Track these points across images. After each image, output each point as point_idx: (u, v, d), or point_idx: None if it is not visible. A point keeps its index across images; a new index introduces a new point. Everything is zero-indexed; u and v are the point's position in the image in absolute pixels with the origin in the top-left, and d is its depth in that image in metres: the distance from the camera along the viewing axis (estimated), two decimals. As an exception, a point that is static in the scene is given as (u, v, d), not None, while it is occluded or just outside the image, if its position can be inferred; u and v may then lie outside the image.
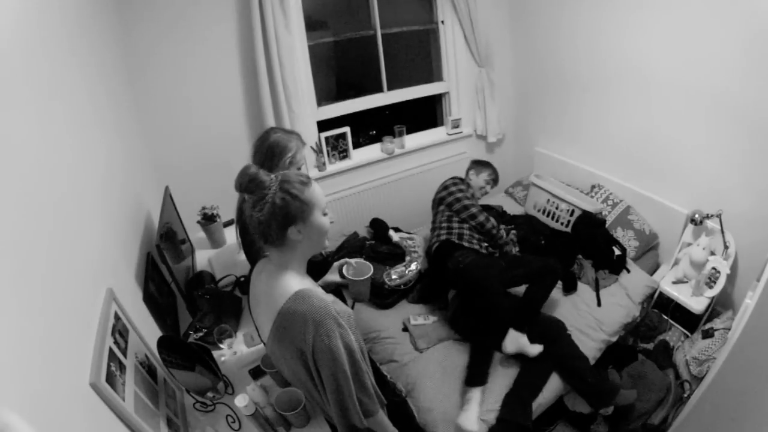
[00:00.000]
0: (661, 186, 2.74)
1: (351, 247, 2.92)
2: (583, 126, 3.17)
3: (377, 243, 2.93)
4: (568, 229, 2.92)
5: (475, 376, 2.04)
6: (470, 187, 2.72)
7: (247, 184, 1.06)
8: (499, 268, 2.31)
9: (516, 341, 2.08)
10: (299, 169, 1.94)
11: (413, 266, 2.69)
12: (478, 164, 2.83)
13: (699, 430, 1.80)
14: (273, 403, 1.41)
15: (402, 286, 2.58)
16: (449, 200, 2.57)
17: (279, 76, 2.62)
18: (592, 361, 2.22)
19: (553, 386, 2.09)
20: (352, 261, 1.50)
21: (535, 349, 2.08)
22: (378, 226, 3.05)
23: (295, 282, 1.12)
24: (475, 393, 1.97)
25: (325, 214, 1.15)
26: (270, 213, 1.06)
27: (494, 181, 2.80)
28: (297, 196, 1.07)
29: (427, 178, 3.38)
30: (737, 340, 1.46)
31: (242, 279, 2.16)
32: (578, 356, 2.13)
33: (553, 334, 2.18)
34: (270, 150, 1.78)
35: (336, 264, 1.51)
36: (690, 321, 2.46)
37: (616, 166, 3.01)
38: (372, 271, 1.46)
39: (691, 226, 2.53)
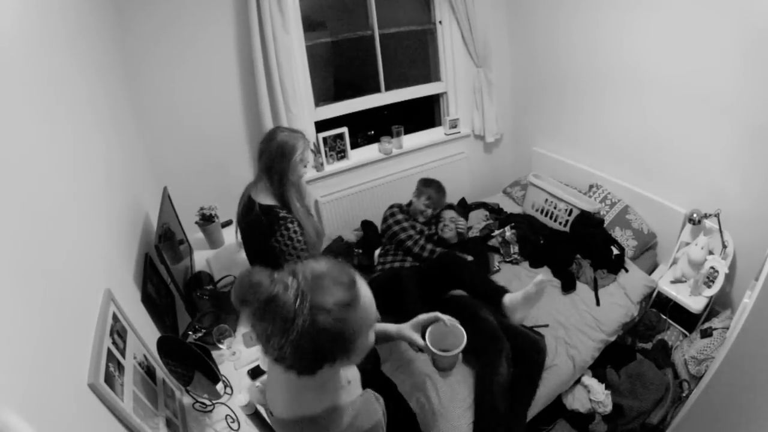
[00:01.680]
0: (659, 185, 2.74)
1: (335, 254, 2.80)
2: (581, 126, 3.17)
3: (364, 256, 2.85)
4: (567, 229, 2.92)
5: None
6: (409, 213, 2.78)
7: (261, 307, 0.72)
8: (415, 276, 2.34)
9: (512, 305, 2.00)
10: (305, 167, 1.90)
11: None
12: (423, 184, 2.85)
13: (697, 429, 1.80)
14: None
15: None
16: (388, 234, 2.68)
17: (277, 77, 2.62)
18: (590, 361, 2.22)
19: (550, 386, 2.08)
20: (445, 318, 1.19)
21: (538, 278, 1.93)
22: (367, 228, 3.05)
23: (324, 398, 0.87)
24: None
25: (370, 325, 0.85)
26: (295, 349, 0.73)
27: (433, 205, 2.80)
28: (340, 334, 0.75)
29: (424, 178, 3.38)
30: (735, 339, 1.46)
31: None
32: (532, 386, 2.02)
33: (529, 355, 2.07)
34: (279, 150, 1.80)
35: (422, 318, 1.22)
36: (688, 320, 2.47)
37: (614, 166, 3.01)
38: (465, 342, 1.18)
39: (689, 226, 2.53)
